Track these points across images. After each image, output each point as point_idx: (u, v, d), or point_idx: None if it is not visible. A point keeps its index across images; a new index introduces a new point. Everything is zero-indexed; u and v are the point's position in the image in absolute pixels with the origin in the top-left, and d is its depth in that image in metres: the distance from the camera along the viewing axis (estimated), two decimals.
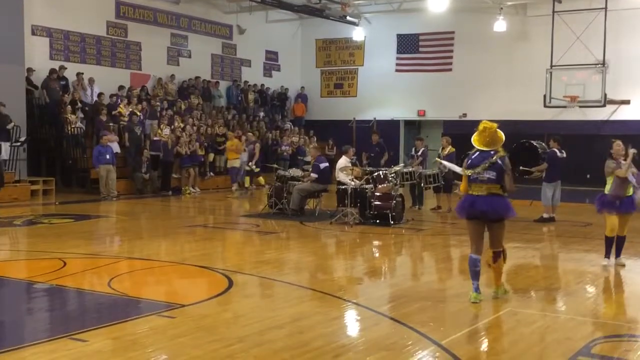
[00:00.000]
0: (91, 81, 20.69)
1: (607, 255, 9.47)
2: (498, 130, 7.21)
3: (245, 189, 20.65)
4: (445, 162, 12.71)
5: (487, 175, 7.09)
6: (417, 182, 15.44)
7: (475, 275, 7.23)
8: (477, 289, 7.21)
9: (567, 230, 13.58)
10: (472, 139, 7.26)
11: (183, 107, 23.10)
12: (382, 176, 13.96)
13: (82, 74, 20.44)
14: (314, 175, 14.60)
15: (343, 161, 14.62)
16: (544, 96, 23.03)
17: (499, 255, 7.35)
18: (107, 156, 17.98)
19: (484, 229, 7.26)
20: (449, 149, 16.01)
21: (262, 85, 27.64)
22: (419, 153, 16.73)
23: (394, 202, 13.48)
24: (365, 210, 13.77)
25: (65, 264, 9.19)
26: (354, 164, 14.92)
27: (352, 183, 13.85)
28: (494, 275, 7.49)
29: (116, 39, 22.30)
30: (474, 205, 7.15)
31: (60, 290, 7.73)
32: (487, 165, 7.07)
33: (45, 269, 8.80)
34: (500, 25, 24.27)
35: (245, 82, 26.82)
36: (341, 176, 14.26)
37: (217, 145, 22.06)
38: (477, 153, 7.22)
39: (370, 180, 14.03)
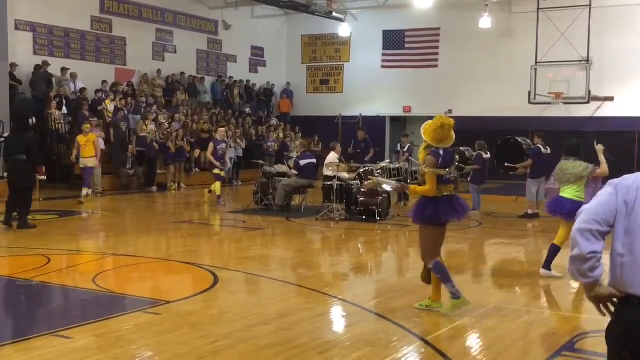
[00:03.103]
0: (74, 76, 20.55)
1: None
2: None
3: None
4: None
5: (454, 175, 6.69)
6: (403, 178, 15.46)
7: (449, 276, 6.66)
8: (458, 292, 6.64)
9: (551, 226, 13.59)
10: (423, 133, 6.59)
11: (174, 103, 23.02)
12: (368, 172, 13.99)
13: (69, 69, 20.31)
14: (293, 172, 14.69)
15: (332, 157, 14.63)
16: (529, 93, 23.16)
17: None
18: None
19: None
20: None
21: (248, 81, 27.58)
22: (405, 149, 16.76)
23: (380, 198, 13.50)
24: (351, 206, 13.80)
25: (49, 260, 9.12)
26: (340, 160, 14.95)
27: (346, 175, 13.92)
28: (436, 285, 6.78)
29: (101, 34, 22.16)
30: (456, 208, 6.58)
31: (44, 287, 7.68)
32: (457, 164, 6.67)
33: (29, 265, 8.73)
34: (485, 21, 24.36)
35: (231, 77, 26.75)
36: (328, 172, 14.28)
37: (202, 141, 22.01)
38: (443, 150, 6.56)
39: (357, 177, 14.05)
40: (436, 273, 6.65)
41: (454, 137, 6.64)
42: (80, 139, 16.76)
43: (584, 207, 3.00)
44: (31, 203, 12.16)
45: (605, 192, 2.99)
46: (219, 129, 17.47)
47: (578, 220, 2.97)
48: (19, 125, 12.48)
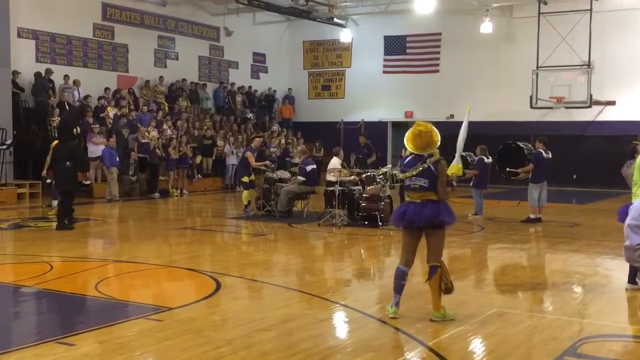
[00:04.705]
0: (77, 83, 20.62)
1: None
2: (435, 130, 6.59)
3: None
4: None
5: (419, 182, 6.49)
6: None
7: (398, 288, 6.64)
8: (397, 304, 6.62)
9: (553, 230, 13.67)
10: (405, 140, 6.63)
11: (176, 109, 23.09)
12: (370, 177, 13.99)
13: (69, 77, 20.39)
14: (300, 178, 14.65)
15: (334, 162, 14.65)
16: (530, 97, 23.18)
17: (434, 270, 6.55)
18: (117, 158, 18.04)
19: (417, 241, 6.68)
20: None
21: (250, 87, 27.62)
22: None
23: (383, 203, 13.51)
24: (354, 211, 13.81)
25: (52, 267, 9.15)
26: (342, 166, 14.95)
27: (349, 178, 13.96)
28: (431, 295, 6.65)
29: (103, 41, 22.23)
30: (404, 214, 6.57)
31: (47, 294, 7.70)
32: (416, 171, 6.49)
33: (32, 272, 8.75)
34: (486, 26, 24.39)
35: (233, 84, 26.81)
36: (331, 177, 14.28)
37: (204, 148, 22.10)
38: (411, 156, 6.64)
39: (359, 182, 14.06)
40: None
41: (438, 141, 6.57)
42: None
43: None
44: (71, 207, 12.97)
45: None
46: (256, 138, 16.69)
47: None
48: (64, 134, 13.24)
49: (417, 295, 7.76)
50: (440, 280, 6.56)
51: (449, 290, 6.64)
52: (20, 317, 7.03)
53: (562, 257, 10.73)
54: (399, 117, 27.69)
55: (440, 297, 6.60)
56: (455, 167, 6.86)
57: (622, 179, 9.17)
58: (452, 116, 25.51)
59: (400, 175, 6.73)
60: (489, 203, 16.56)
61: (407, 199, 6.71)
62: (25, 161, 19.30)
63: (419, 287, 8.48)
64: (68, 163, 12.58)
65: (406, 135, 6.66)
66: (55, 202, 15.62)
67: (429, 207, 6.50)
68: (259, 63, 28.68)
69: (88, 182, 13.10)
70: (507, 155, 15.39)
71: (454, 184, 6.86)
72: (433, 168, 6.48)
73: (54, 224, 13.23)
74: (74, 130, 13.27)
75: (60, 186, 13.02)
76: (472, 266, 10.07)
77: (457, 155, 7.10)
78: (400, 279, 6.65)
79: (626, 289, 8.03)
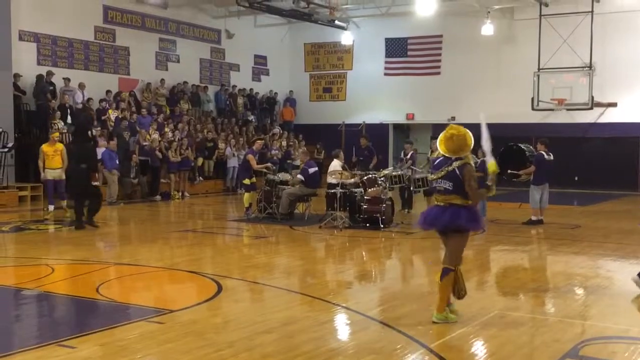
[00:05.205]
0: (81, 86, 20.64)
1: None
2: (468, 133, 6.52)
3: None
4: None
5: (443, 185, 6.48)
6: (406, 185, 15.48)
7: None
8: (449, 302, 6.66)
9: (555, 232, 13.66)
10: (437, 142, 6.68)
11: (177, 112, 23.10)
12: (372, 180, 13.99)
13: (69, 79, 20.38)
14: (299, 177, 14.66)
15: (335, 164, 14.65)
16: (532, 99, 23.21)
17: (446, 272, 6.48)
18: (117, 161, 18.08)
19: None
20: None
21: (251, 89, 27.64)
22: (408, 156, 16.78)
23: (384, 205, 13.50)
24: (355, 213, 13.80)
25: (53, 270, 9.15)
26: (343, 168, 14.95)
27: (351, 181, 13.96)
28: (438, 296, 6.58)
29: (104, 44, 22.26)
30: (427, 217, 6.67)
31: (48, 296, 7.70)
32: (441, 173, 6.48)
33: (33, 275, 8.76)
34: (487, 28, 24.40)
35: (234, 86, 26.82)
36: (332, 179, 14.28)
37: (206, 150, 22.11)
38: (441, 158, 6.67)
39: (360, 184, 14.06)
40: None
41: (472, 145, 6.53)
42: (47, 148, 15.48)
43: None
44: (82, 210, 13.13)
45: None
46: (257, 140, 16.61)
47: None
48: (80, 136, 13.49)
49: (419, 298, 7.76)
50: (455, 285, 6.56)
51: (460, 296, 6.65)
52: (21, 319, 7.03)
53: (564, 259, 10.72)
54: (400, 119, 27.71)
55: (445, 300, 6.58)
56: (493, 166, 6.72)
57: (623, 181, 9.17)
58: (453, 118, 25.49)
59: (430, 177, 6.84)
60: (491, 205, 16.54)
61: (435, 201, 6.71)
62: (26, 164, 19.27)
63: (420, 289, 8.48)
64: (83, 165, 12.70)
65: (439, 137, 6.68)
66: (51, 207, 15.79)
67: (449, 211, 6.47)
68: (260, 65, 28.71)
69: (97, 183, 13.36)
70: (508, 157, 15.37)
71: (489, 184, 6.67)
72: (458, 172, 6.43)
73: (56, 227, 13.25)
74: (89, 132, 13.45)
75: (74, 187, 13.10)
76: (474, 268, 10.05)
77: (487, 155, 6.83)
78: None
79: (632, 279, 8.02)
